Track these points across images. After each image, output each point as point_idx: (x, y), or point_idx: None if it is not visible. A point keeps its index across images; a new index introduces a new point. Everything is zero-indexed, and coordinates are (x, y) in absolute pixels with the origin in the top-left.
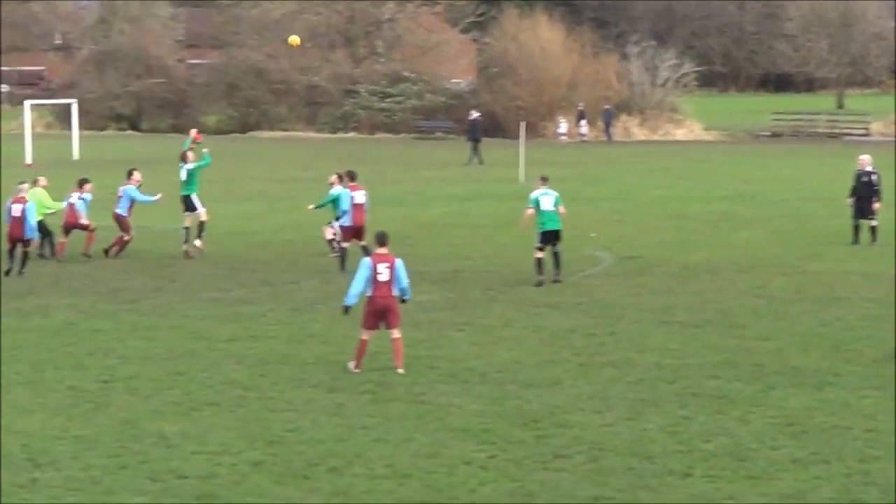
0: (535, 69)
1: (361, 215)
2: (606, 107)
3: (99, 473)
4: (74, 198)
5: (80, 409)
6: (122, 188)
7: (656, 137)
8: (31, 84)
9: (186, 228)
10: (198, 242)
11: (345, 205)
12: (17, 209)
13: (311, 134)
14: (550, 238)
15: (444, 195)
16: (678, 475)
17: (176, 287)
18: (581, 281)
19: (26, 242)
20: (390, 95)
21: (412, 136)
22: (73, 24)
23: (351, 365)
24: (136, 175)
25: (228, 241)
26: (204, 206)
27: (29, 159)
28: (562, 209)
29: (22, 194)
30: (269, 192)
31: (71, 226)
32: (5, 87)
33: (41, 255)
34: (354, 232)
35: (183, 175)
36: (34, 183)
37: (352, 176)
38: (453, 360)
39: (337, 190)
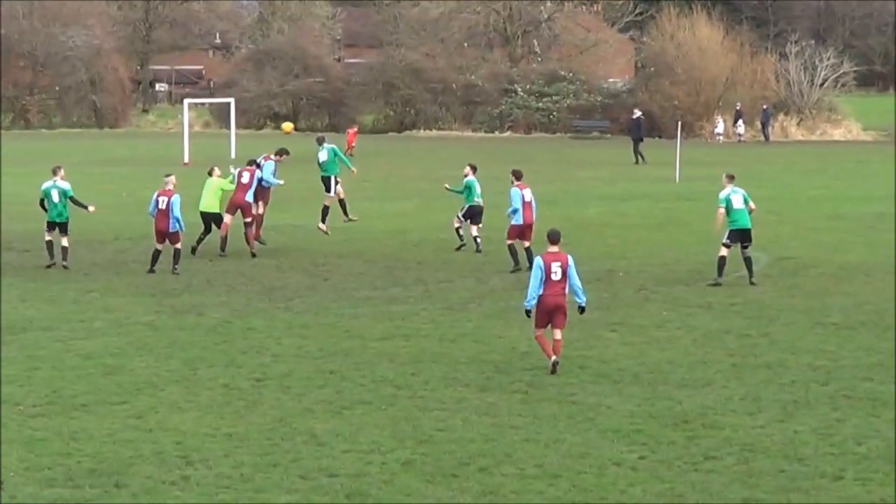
0: (693, 68)
1: (531, 213)
2: (764, 106)
3: (250, 471)
4: (246, 177)
5: (232, 406)
6: (263, 160)
7: (814, 137)
8: (190, 83)
9: (326, 207)
10: (321, 225)
11: (516, 203)
12: (162, 201)
13: (468, 133)
14: (741, 236)
15: (600, 195)
16: (830, 478)
17: (329, 285)
18: (735, 281)
19: (173, 237)
20: (547, 95)
21: (569, 135)
22: (232, 23)
23: (550, 367)
24: (285, 157)
25: (383, 240)
26: (337, 189)
27: (187, 158)
28: (752, 205)
29: (168, 187)
30: (425, 191)
31: (237, 205)
32: (164, 86)
33: (193, 251)
34: (523, 230)
35: (323, 156)
36: (209, 173)
37: (518, 175)
38: (605, 361)
39: (470, 178)
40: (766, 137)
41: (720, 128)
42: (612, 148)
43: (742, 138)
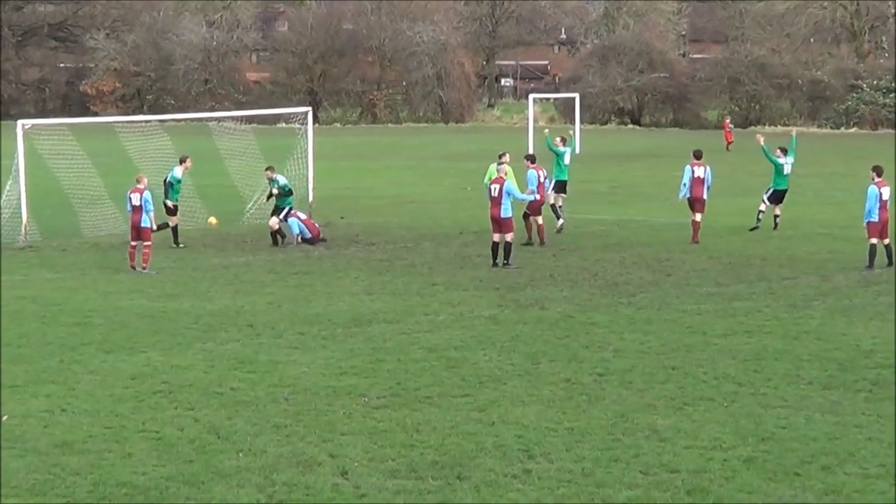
0: None
1: (887, 212)
2: None
3: (590, 465)
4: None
5: (573, 401)
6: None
7: None
8: (535, 78)
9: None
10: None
11: (871, 202)
12: (494, 189)
13: (813, 129)
14: None
15: None
16: None
17: (672, 281)
18: None
19: (506, 224)
20: (894, 91)
21: None
22: (577, 19)
23: None
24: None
25: (726, 236)
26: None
27: (532, 152)
28: None
29: (501, 175)
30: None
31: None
32: (509, 81)
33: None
34: (880, 228)
35: (566, 160)
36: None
37: (879, 171)
38: None
39: (780, 160)
40: None
41: None
42: None
43: None
